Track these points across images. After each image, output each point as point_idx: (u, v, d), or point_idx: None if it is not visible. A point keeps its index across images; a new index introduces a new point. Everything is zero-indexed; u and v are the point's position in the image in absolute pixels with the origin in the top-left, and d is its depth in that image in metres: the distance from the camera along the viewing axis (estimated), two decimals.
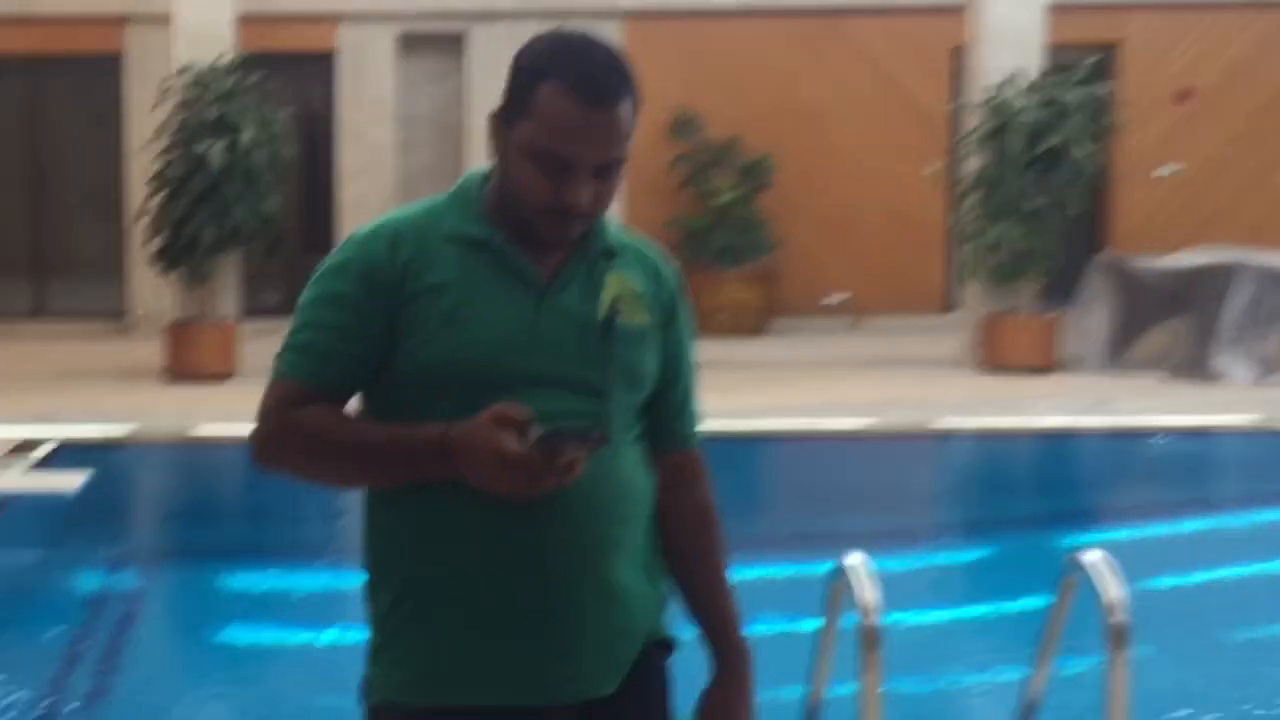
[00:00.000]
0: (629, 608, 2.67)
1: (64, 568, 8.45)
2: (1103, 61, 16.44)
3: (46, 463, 10.31)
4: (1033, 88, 14.40)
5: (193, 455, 11.26)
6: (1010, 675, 5.57)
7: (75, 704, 6.13)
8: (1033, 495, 10.80)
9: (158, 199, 14.32)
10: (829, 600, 4.64)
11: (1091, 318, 14.95)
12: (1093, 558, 4.47)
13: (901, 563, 7.58)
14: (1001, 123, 14.33)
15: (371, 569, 2.72)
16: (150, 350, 14.91)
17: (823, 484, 10.64)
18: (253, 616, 7.58)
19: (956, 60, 16.94)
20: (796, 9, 18.27)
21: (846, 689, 4.60)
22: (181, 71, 14.25)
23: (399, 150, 18.31)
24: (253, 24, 15.48)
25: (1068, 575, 4.60)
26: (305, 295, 2.69)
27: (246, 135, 13.99)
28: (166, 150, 14.24)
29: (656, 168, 17.34)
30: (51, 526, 9.26)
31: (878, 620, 4.26)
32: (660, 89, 16.36)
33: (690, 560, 2.81)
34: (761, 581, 6.93)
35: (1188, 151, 18.21)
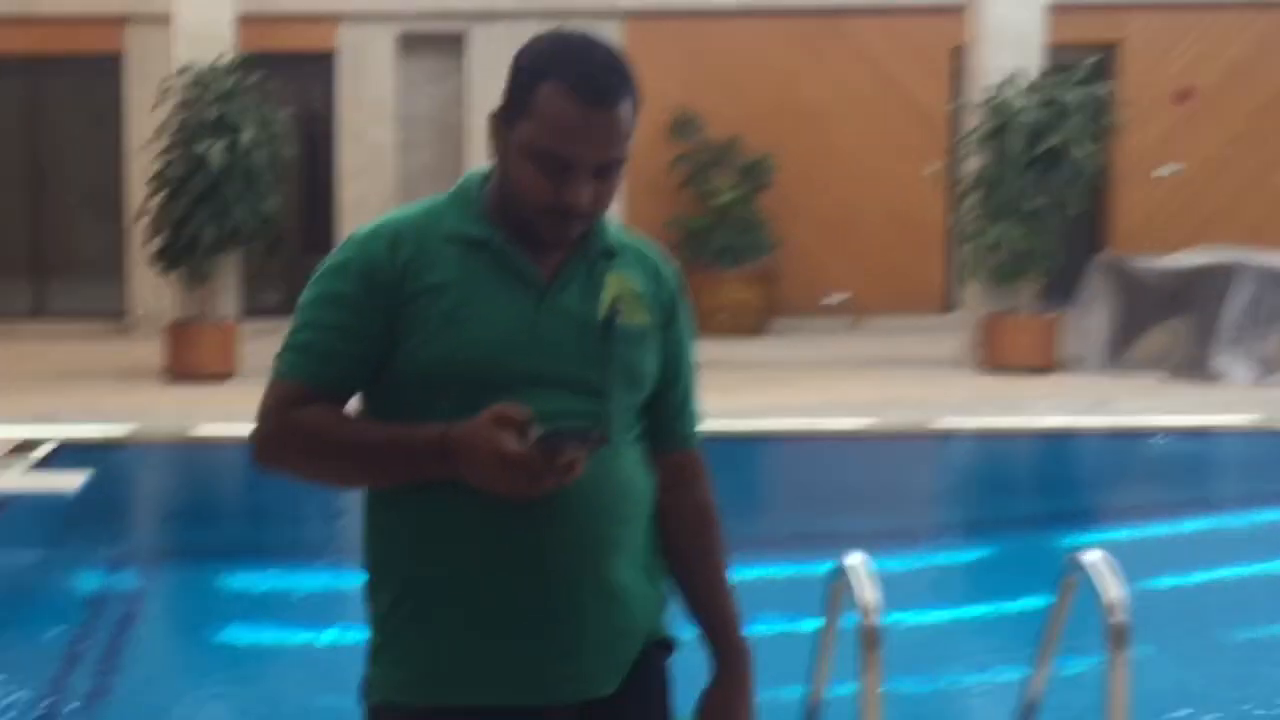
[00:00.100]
0: (629, 608, 2.67)
1: (64, 568, 8.44)
2: (1103, 61, 16.44)
3: (46, 463, 10.31)
4: (1033, 88, 14.40)
5: (193, 455, 11.26)
6: (1010, 675, 5.56)
7: (75, 704, 6.13)
8: (1033, 495, 10.80)
9: (158, 199, 14.32)
10: (829, 600, 4.64)
11: (1091, 318, 14.95)
12: (1093, 558, 4.47)
13: (902, 563, 7.58)
14: (1001, 123, 14.33)
15: (371, 569, 2.72)
16: (150, 350, 14.91)
17: (823, 484, 10.64)
18: (253, 616, 7.57)
19: (956, 60, 16.94)
20: (796, 9, 18.27)
21: (847, 689, 4.60)
22: (181, 71, 14.25)
23: (399, 150, 18.31)
24: (253, 24, 15.48)
25: (1068, 575, 4.60)
26: (305, 295, 2.69)
27: (246, 135, 13.99)
28: (166, 150, 14.24)
29: (657, 168, 17.35)
30: (51, 526, 9.26)
31: (878, 620, 4.26)
32: (660, 89, 16.37)
33: (690, 560, 2.81)
34: (762, 581, 6.93)
35: (1188, 151, 18.21)
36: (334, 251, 2.71)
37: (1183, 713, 5.87)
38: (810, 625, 4.93)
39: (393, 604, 2.67)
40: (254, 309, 15.65)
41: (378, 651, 2.70)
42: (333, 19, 18.13)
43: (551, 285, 2.63)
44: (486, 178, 2.71)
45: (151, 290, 16.58)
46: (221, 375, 13.85)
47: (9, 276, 18.20)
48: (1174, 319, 14.74)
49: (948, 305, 17.70)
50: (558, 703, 2.63)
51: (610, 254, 2.70)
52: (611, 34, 16.42)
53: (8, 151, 18.25)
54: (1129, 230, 17.99)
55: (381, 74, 18.22)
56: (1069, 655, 5.00)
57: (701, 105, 17.80)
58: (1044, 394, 13.08)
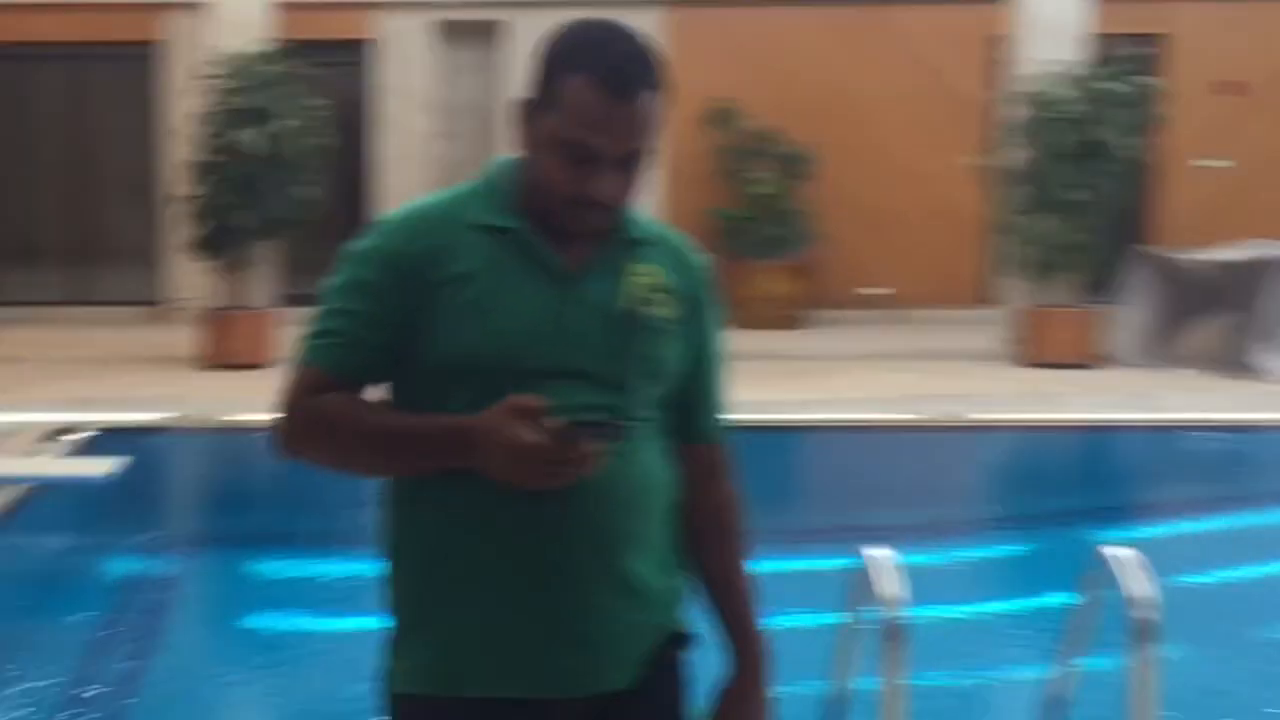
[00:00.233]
0: (646, 601, 2.66)
1: (98, 553, 8.48)
2: (1148, 53, 16.32)
3: (82, 448, 10.35)
4: (1076, 79, 14.29)
5: (227, 442, 11.28)
6: (1039, 671, 5.54)
7: (107, 688, 6.15)
8: (1071, 490, 10.74)
9: (195, 186, 14.35)
10: (851, 594, 4.63)
11: (1132, 312, 14.88)
12: (1121, 554, 4.44)
13: (936, 556, 7.55)
14: (1043, 115, 14.24)
15: (391, 560, 2.71)
16: (186, 337, 14.95)
17: (859, 476, 10.60)
18: (284, 603, 7.59)
19: (997, 51, 16.85)
20: None
21: (873, 683, 4.58)
22: (219, 59, 14.27)
23: (438, 139, 18.30)
24: (291, 11, 15.48)
25: (1096, 571, 4.58)
26: (330, 282, 2.67)
27: (284, 123, 14.00)
28: (204, 138, 14.27)
29: (695, 158, 17.32)
30: (86, 512, 9.30)
31: (901, 615, 4.24)
32: (700, 79, 16.35)
33: (709, 555, 2.80)
34: (793, 574, 6.91)
35: (1237, 146, 18.04)
36: (359, 238, 2.69)
37: (1212, 709, 5.83)
38: (837, 619, 4.91)
39: (411, 595, 2.66)
40: (291, 297, 15.66)
41: (396, 642, 2.70)
42: (371, 6, 18.14)
43: (577, 276, 2.61)
44: (514, 167, 2.69)
45: (189, 278, 16.60)
46: (257, 363, 13.88)
47: (46, 263, 18.28)
48: (1216, 313, 14.64)
49: (987, 299, 17.60)
50: (574, 695, 2.62)
51: (637, 245, 2.68)
52: (651, 24, 16.38)
53: (46, 139, 18.32)
54: (1176, 225, 17.83)
55: (421, 62, 18.21)
56: (1098, 651, 4.96)
57: (741, 95, 17.74)
58: (1084, 388, 13.01)
